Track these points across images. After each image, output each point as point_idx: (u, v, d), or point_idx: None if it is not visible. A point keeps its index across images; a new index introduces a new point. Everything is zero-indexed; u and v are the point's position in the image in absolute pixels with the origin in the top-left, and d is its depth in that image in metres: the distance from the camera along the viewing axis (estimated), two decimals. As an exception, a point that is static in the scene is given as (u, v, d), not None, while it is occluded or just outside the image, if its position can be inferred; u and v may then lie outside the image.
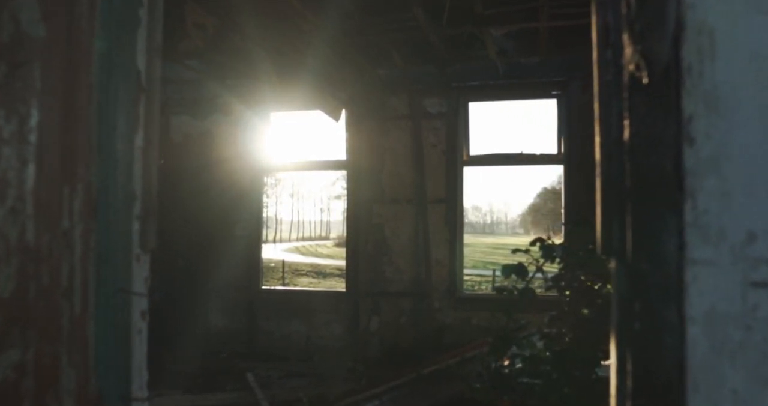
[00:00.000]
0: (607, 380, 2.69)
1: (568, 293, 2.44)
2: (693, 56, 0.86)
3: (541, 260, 2.70)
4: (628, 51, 0.89)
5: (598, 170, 1.01)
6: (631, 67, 0.89)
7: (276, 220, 75.14)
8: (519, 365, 2.55)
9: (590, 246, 2.27)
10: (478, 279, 22.24)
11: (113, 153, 1.08)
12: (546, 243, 2.67)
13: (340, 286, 14.82)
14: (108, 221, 1.07)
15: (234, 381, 5.50)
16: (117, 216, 1.08)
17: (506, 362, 2.28)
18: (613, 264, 0.95)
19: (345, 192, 7.26)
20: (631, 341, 0.90)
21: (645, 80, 0.86)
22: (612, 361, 0.96)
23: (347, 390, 4.90)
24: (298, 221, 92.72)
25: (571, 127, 6.16)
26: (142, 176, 1.17)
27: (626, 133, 0.92)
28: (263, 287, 7.30)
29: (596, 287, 2.33)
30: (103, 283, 1.04)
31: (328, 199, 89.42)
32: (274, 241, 64.75)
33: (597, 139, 1.01)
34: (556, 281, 2.53)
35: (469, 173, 7.15)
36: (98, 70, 1.05)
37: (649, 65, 0.86)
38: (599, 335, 2.38)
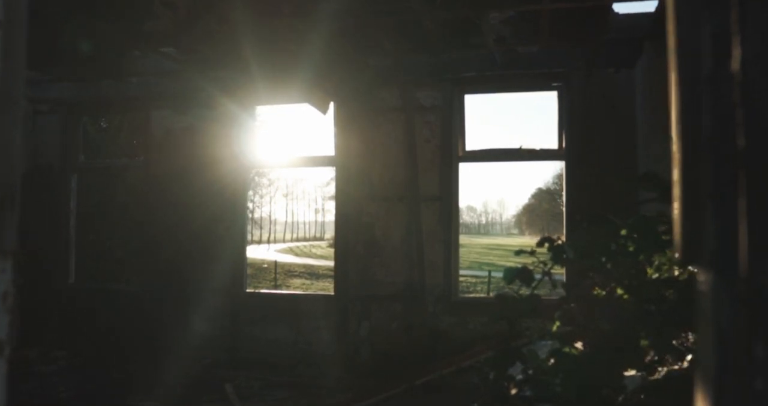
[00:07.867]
0: (630, 395, 2.23)
1: (584, 302, 2.08)
2: None
3: (549, 263, 2.33)
4: None
5: (675, 129, 0.63)
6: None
7: (270, 220, 74.78)
8: (520, 377, 2.20)
9: (613, 247, 1.91)
10: (474, 281, 21.97)
11: None
12: (556, 244, 2.30)
13: (332, 287, 14.41)
14: None
15: (212, 392, 5.12)
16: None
17: (513, 391, 1.92)
18: (703, 277, 0.58)
19: (335, 190, 6.87)
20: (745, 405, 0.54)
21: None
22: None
23: (333, 403, 4.52)
24: (293, 222, 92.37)
25: (573, 120, 5.81)
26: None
27: (735, 59, 0.54)
28: (248, 290, 6.91)
29: (620, 296, 1.96)
30: None
31: (323, 199, 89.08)
32: (268, 241, 64.32)
33: (673, 78, 0.63)
34: (568, 288, 2.17)
35: (464, 171, 6.80)
36: None
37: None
38: (621, 354, 2.02)
